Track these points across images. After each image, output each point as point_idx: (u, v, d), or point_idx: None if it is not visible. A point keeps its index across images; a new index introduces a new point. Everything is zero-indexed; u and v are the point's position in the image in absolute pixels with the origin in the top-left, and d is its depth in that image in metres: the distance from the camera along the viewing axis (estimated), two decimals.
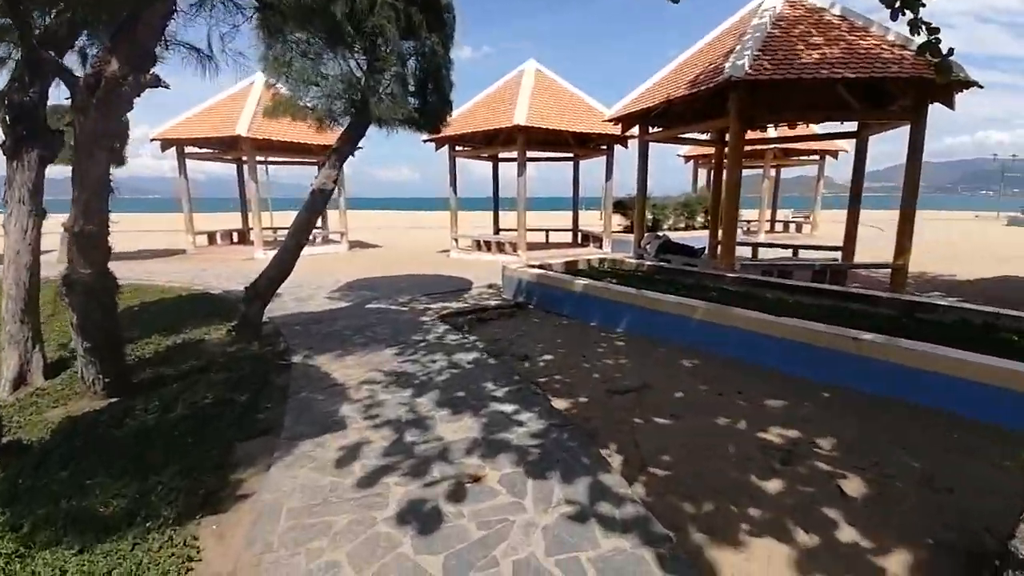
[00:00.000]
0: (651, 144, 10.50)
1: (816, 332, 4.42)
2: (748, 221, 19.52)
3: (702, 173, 22.90)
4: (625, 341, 5.89)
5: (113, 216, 4.02)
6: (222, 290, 9.08)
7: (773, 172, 20.18)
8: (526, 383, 4.53)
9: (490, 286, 9.45)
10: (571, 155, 16.24)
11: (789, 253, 11.12)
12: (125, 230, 27.41)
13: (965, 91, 7.18)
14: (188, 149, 15.05)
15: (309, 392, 4.38)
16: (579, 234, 16.70)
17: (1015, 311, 4.89)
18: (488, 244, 13.88)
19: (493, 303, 7.96)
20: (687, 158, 19.69)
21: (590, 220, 18.79)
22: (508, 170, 16.78)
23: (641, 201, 10.57)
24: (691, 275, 7.98)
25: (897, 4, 4.90)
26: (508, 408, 3.93)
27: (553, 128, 12.05)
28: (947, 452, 3.26)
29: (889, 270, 8.06)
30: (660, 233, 10.11)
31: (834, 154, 18.38)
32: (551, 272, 7.92)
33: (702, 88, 7.40)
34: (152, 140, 13.97)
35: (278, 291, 8.19)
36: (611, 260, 9.47)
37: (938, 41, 4.56)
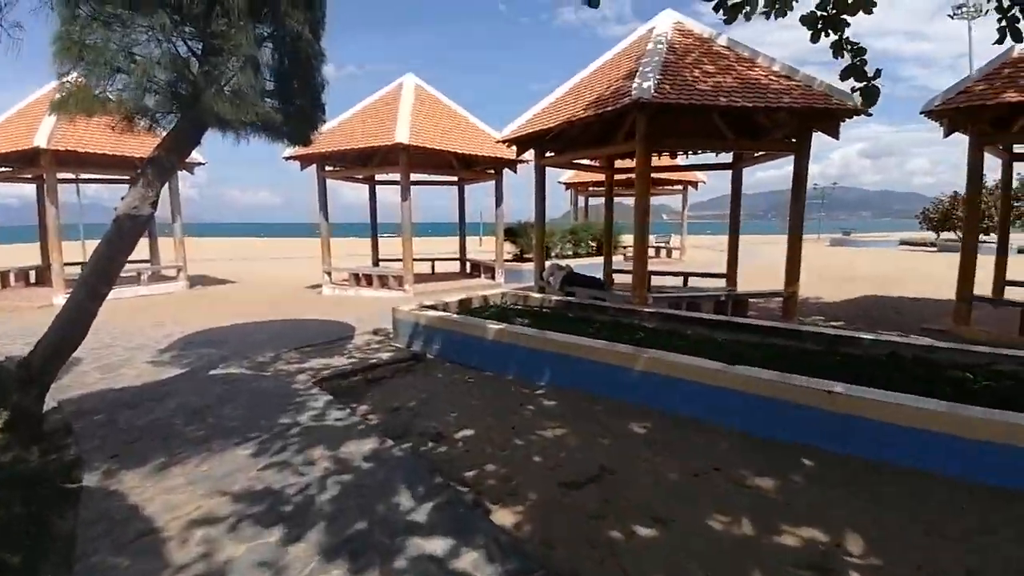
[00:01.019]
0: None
1: (784, 386, 3.83)
2: (625, 247, 20.23)
3: (577, 199, 23.59)
4: (555, 399, 4.91)
5: None
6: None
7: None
8: (451, 485, 3.27)
9: (376, 331, 7.93)
10: (455, 179, 15.31)
11: (679, 281, 11.25)
12: None
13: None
14: None
15: (106, 551, 2.65)
16: (467, 264, 15.70)
17: (946, 343, 4.88)
18: (369, 278, 12.21)
19: (385, 356, 6.51)
20: (568, 185, 19.97)
21: (474, 248, 17.97)
22: (384, 194, 15.31)
23: (540, 228, 9.91)
24: (603, 310, 7.35)
25: (820, 25, 4.74)
26: (438, 546, 2.64)
27: (440, 148, 10.97)
28: (990, 534, 2.72)
29: (780, 298, 8.24)
30: (562, 263, 9.50)
31: (695, 184, 19.91)
32: (454, 315, 6.72)
33: (608, 109, 6.90)
34: None
35: (75, 355, 5.90)
36: (512, 295, 8.56)
37: (863, 63, 4.42)
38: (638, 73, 6.80)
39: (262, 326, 8.38)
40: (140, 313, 9.79)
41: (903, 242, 33.30)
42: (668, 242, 23.06)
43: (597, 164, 11.49)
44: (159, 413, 4.53)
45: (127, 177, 14.20)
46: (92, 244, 17.23)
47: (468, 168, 14.11)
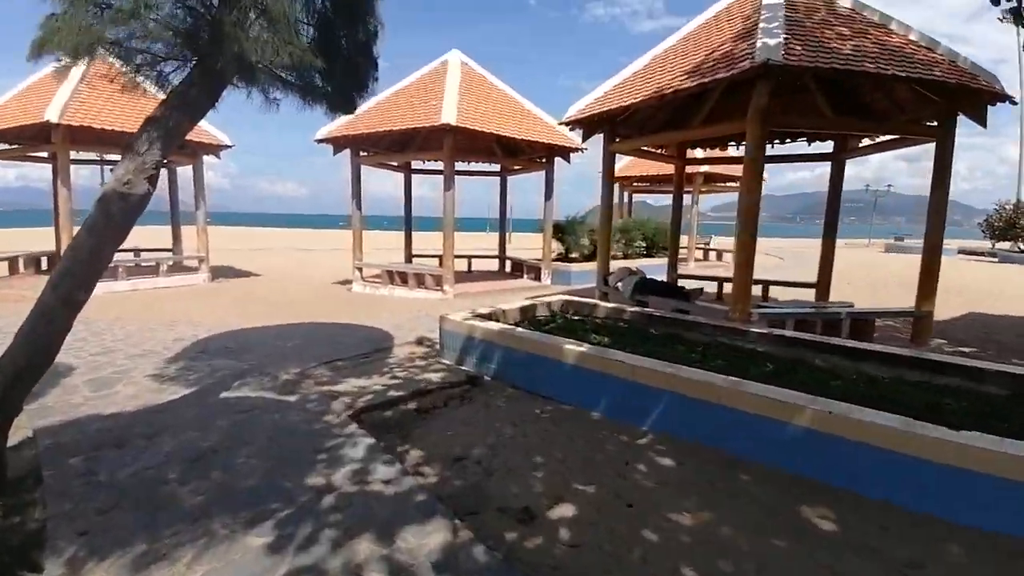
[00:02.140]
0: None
1: None
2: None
3: (621, 195, 22.13)
4: (671, 455, 3.63)
5: None
6: None
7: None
8: None
9: (419, 342, 6.75)
10: (496, 169, 14.11)
11: (756, 290, 9.80)
12: None
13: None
14: None
15: None
16: (506, 262, 14.48)
17: None
18: (404, 276, 11.06)
19: (434, 377, 5.30)
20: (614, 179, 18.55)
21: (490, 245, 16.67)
22: (394, 186, 14.10)
23: (607, 225, 8.59)
24: (693, 327, 6.02)
25: None
26: None
27: (491, 132, 9.74)
28: None
29: (905, 317, 6.78)
30: (633, 267, 8.18)
31: None
32: (519, 330, 5.47)
33: (719, 76, 5.56)
34: None
35: (70, 361, 4.87)
36: (575, 303, 7.27)
37: None
38: (760, 30, 5.43)
39: (287, 331, 7.28)
40: (154, 309, 8.83)
41: (962, 251, 30.95)
42: (708, 243, 21.60)
43: (663, 152, 10.09)
44: (150, 459, 3.39)
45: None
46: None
47: (512, 156, 12.88)
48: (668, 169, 16.62)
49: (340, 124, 10.56)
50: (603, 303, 7.17)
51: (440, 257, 14.04)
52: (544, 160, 12.10)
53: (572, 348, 4.68)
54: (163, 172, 11.43)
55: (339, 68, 3.64)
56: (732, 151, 11.61)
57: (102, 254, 3.20)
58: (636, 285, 7.64)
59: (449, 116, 9.19)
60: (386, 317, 8.36)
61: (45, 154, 10.45)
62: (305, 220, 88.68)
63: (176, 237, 14.12)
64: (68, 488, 2.97)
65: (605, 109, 7.51)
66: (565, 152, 11.49)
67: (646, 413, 4.10)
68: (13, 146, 10.77)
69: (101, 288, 10.34)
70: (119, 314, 8.27)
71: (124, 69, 3.51)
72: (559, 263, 12.80)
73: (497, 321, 6.28)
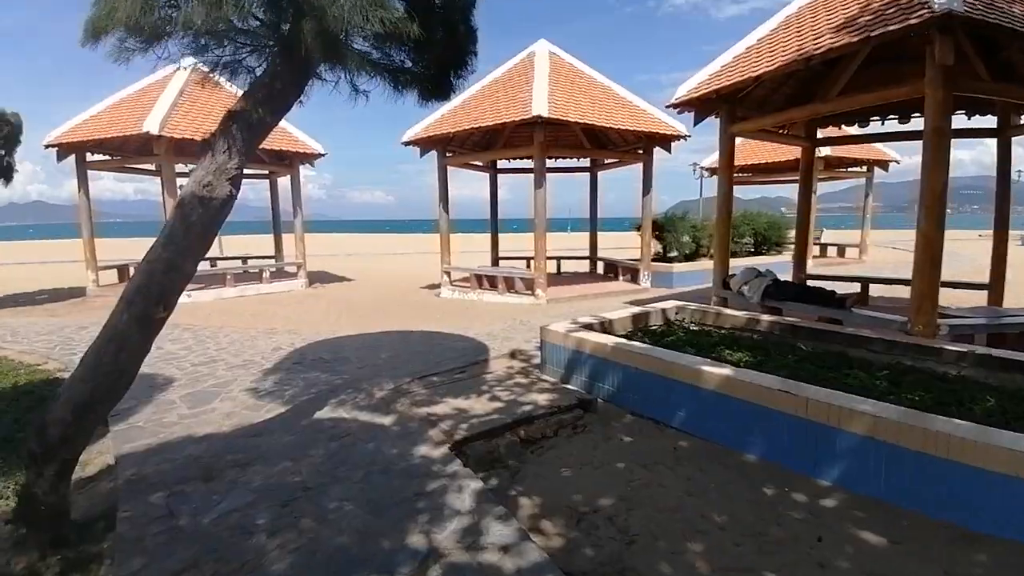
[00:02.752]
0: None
1: None
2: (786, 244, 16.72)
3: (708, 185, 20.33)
4: (880, 528, 2.64)
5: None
6: None
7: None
8: None
9: (515, 355, 6.12)
10: (587, 164, 13.27)
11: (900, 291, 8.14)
12: (45, 260, 22.95)
13: None
14: (93, 158, 11.42)
15: None
16: (597, 263, 13.57)
17: None
18: (492, 280, 10.56)
19: (540, 399, 4.62)
20: (710, 170, 16.91)
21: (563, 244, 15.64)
22: (461, 188, 13.58)
23: (725, 222, 7.47)
24: (863, 343, 4.82)
25: None
26: None
27: (586, 123, 8.97)
28: None
29: None
30: (762, 268, 7.01)
31: (884, 165, 15.86)
32: (639, 345, 4.63)
33: (891, 28, 4.37)
34: (46, 147, 10.34)
35: (172, 373, 4.76)
36: (693, 309, 6.28)
37: None
38: None
39: (379, 340, 6.97)
40: (257, 315, 9.00)
41: None
42: (819, 237, 19.11)
43: (787, 133, 8.70)
44: (238, 498, 2.99)
45: (264, 172, 14.02)
46: (229, 240, 17.77)
47: (602, 149, 11.99)
48: (774, 156, 14.87)
49: (426, 125, 10.30)
50: (727, 310, 6.12)
51: (528, 259, 13.50)
52: (641, 151, 11.07)
53: (713, 371, 3.79)
54: (264, 183, 11.77)
55: (436, 38, 3.05)
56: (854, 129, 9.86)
57: (182, 267, 2.84)
58: (767, 289, 6.48)
59: (540, 108, 8.53)
60: (477, 325, 7.85)
61: (153, 166, 11.15)
62: (393, 225, 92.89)
63: (277, 245, 14.74)
64: (143, 536, 2.61)
65: (724, 85, 6.44)
66: (666, 141, 10.40)
67: (829, 462, 3.13)
68: (115, 157, 11.55)
69: (212, 294, 10.87)
70: (225, 321, 8.48)
71: (200, 62, 3.15)
72: (658, 264, 11.69)
73: (605, 331, 5.50)
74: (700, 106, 7.01)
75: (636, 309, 6.19)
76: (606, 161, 12.99)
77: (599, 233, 14.00)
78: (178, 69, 9.47)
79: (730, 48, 7.00)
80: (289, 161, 12.38)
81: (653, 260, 12.19)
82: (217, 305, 10.14)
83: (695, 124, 7.24)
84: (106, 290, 11.24)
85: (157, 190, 10.99)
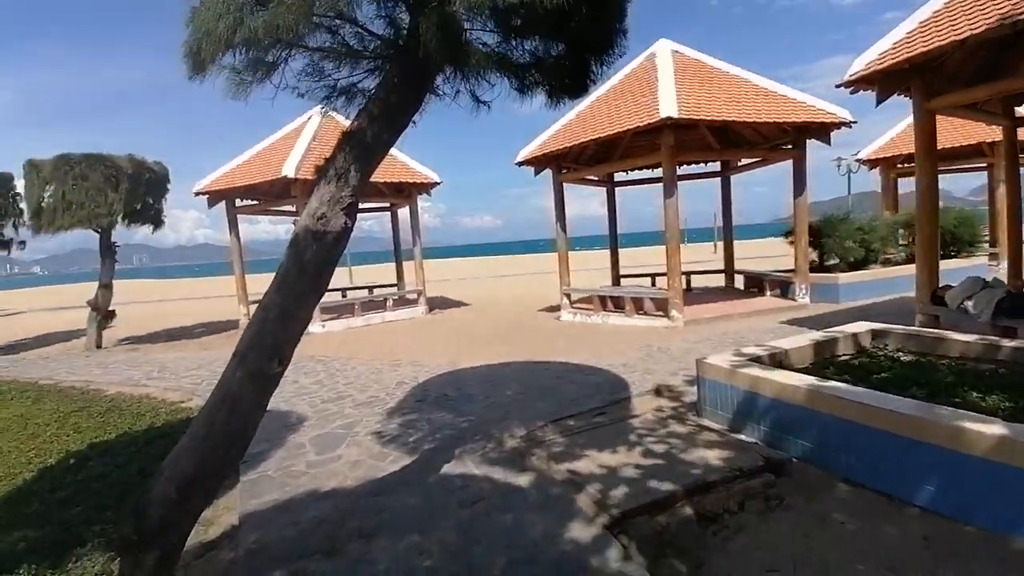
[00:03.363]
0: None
1: None
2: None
3: (869, 178, 17.29)
4: None
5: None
6: None
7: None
8: None
9: (660, 391, 5.20)
10: (717, 169, 11.92)
11: None
12: (207, 296, 26.18)
13: None
14: (242, 203, 12.67)
15: None
16: (734, 276, 12.01)
17: None
18: (618, 302, 9.66)
19: (709, 456, 3.67)
20: (871, 162, 14.36)
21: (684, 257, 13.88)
22: (585, 206, 12.64)
23: (931, 218, 5.87)
24: None
25: None
26: None
27: (725, 120, 7.86)
28: None
29: None
30: (988, 278, 5.36)
31: None
32: (854, 391, 3.49)
33: None
34: (196, 194, 11.67)
35: (302, 411, 4.60)
36: (896, 333, 4.85)
37: None
38: None
39: (503, 372, 6.44)
40: (382, 346, 9.04)
41: None
42: None
43: (985, 110, 6.77)
44: None
45: (385, 205, 14.79)
46: (360, 271, 18.93)
47: (735, 149, 10.61)
48: (943, 141, 12.17)
49: (540, 142, 9.85)
50: (951, 334, 4.63)
51: (654, 276, 12.39)
52: (790, 146, 9.53)
53: (981, 429, 2.61)
54: (386, 215, 12.08)
55: (579, 11, 2.41)
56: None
57: (297, 314, 2.45)
58: (1000, 304, 4.85)
59: (668, 108, 7.60)
60: (608, 353, 7.02)
61: (293, 208, 12.01)
62: (502, 248, 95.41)
63: (399, 273, 15.24)
64: None
65: (918, 52, 5.06)
66: (824, 131, 8.79)
67: None
68: (260, 201, 12.66)
69: (342, 324, 11.32)
70: (354, 351, 8.60)
71: (316, 88, 2.83)
72: (817, 275, 9.91)
73: (779, 365, 4.40)
74: (885, 81, 5.61)
75: (817, 335, 4.94)
76: (740, 163, 11.53)
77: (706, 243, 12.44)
78: (311, 117, 10.00)
79: (914, 13, 5.66)
80: (407, 192, 12.71)
81: (812, 270, 10.42)
82: (347, 335, 10.48)
83: (878, 103, 5.79)
84: None
85: (236, 222, 11.91)
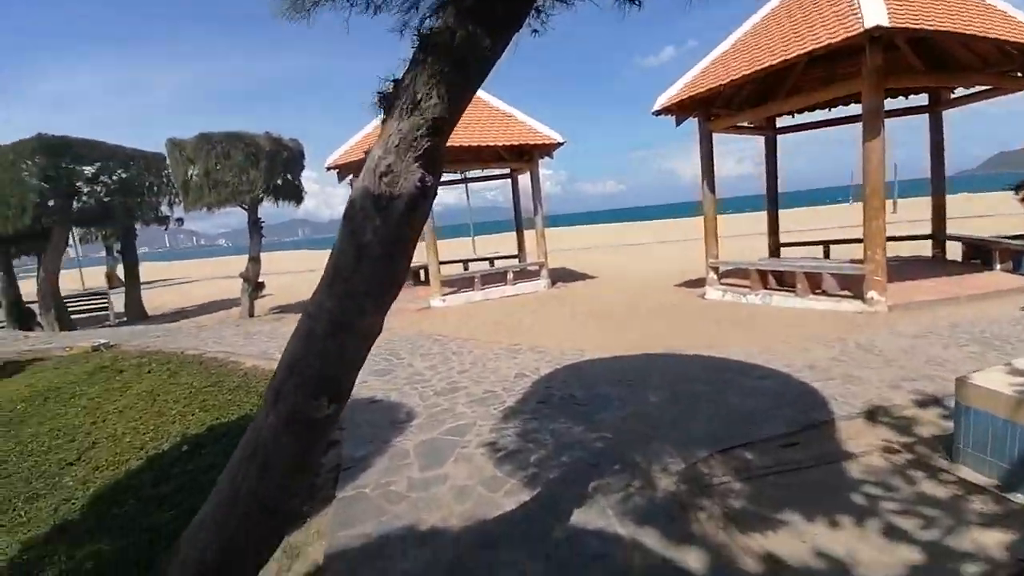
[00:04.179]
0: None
1: None
2: None
3: None
4: None
5: None
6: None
7: None
8: None
9: (873, 414, 3.66)
10: (924, 103, 9.12)
11: None
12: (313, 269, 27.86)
13: None
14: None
15: None
16: (945, 244, 9.21)
17: None
18: (784, 278, 7.78)
19: (990, 544, 2.22)
20: None
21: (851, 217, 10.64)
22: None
23: None
24: None
25: None
26: None
27: (955, 31, 5.56)
28: None
29: None
30: None
31: None
32: None
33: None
34: (328, 168, 11.91)
35: (412, 404, 3.99)
36: None
37: None
38: None
39: (642, 367, 5.27)
40: (501, 324, 8.34)
41: None
42: None
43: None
44: None
45: (505, 171, 14.07)
46: (482, 240, 18.73)
47: (954, 73, 7.82)
48: None
49: (684, 83, 8.12)
50: None
51: (824, 244, 10.05)
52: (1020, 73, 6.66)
53: None
54: (507, 183, 11.17)
55: None
56: None
57: (357, 324, 1.58)
58: None
59: (875, 15, 5.50)
60: (781, 348, 5.45)
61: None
62: (627, 213, 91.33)
63: (520, 243, 14.50)
64: None
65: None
66: None
67: None
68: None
69: (462, 298, 10.91)
70: (472, 330, 8.01)
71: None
72: None
73: None
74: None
75: None
76: (953, 96, 8.61)
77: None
78: None
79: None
80: (529, 155, 11.73)
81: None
82: (466, 310, 10.01)
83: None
84: None
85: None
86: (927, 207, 9.77)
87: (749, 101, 9.17)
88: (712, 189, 8.62)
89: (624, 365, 5.40)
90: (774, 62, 6.66)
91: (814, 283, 7.26)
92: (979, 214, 19.27)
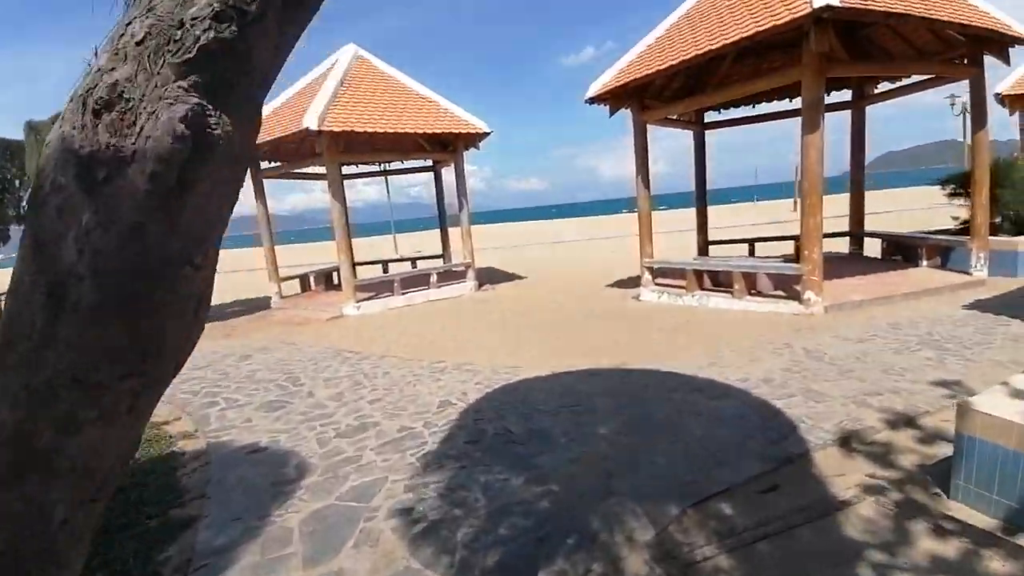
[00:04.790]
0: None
1: None
2: None
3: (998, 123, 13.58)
4: None
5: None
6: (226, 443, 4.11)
7: None
8: None
9: (847, 441, 3.20)
10: (846, 99, 9.30)
11: None
12: (252, 268, 24.55)
13: None
14: (268, 165, 11.21)
15: None
16: (863, 241, 9.46)
17: None
18: (720, 278, 7.49)
19: None
20: (1010, 97, 10.70)
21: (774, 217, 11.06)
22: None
23: None
24: None
25: None
26: None
27: (902, 11, 5.37)
28: None
29: None
30: None
31: None
32: None
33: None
34: None
35: (307, 458, 2.93)
36: None
37: None
38: None
39: (585, 388, 4.59)
40: (423, 335, 7.40)
41: None
42: None
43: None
44: None
45: (427, 164, 12.85)
46: (405, 238, 17.53)
47: (886, 63, 7.91)
48: None
49: (619, 70, 7.60)
50: None
51: (749, 242, 10.06)
52: (964, 60, 6.79)
53: None
54: (429, 176, 10.26)
55: None
56: None
57: (53, 449, 0.65)
58: None
59: None
60: (730, 358, 5.01)
61: (323, 169, 10.35)
62: (549, 212, 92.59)
63: (444, 242, 13.54)
64: None
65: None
66: (1002, 46, 6.06)
67: None
68: (276, 164, 11.13)
69: (380, 305, 9.78)
70: (389, 345, 7.00)
71: None
72: (997, 238, 7.31)
73: None
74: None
75: None
76: (876, 90, 8.81)
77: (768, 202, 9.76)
78: (338, 59, 8.11)
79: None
80: (453, 146, 10.80)
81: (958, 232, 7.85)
82: (384, 318, 8.94)
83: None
84: (287, 302, 10.97)
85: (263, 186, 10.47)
86: (834, 204, 10.01)
87: (680, 93, 8.86)
88: (647, 184, 8.18)
89: (565, 385, 4.70)
90: (713, 47, 6.23)
91: (750, 283, 7.02)
92: (869, 211, 20.92)
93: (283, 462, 3.64)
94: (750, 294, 7.01)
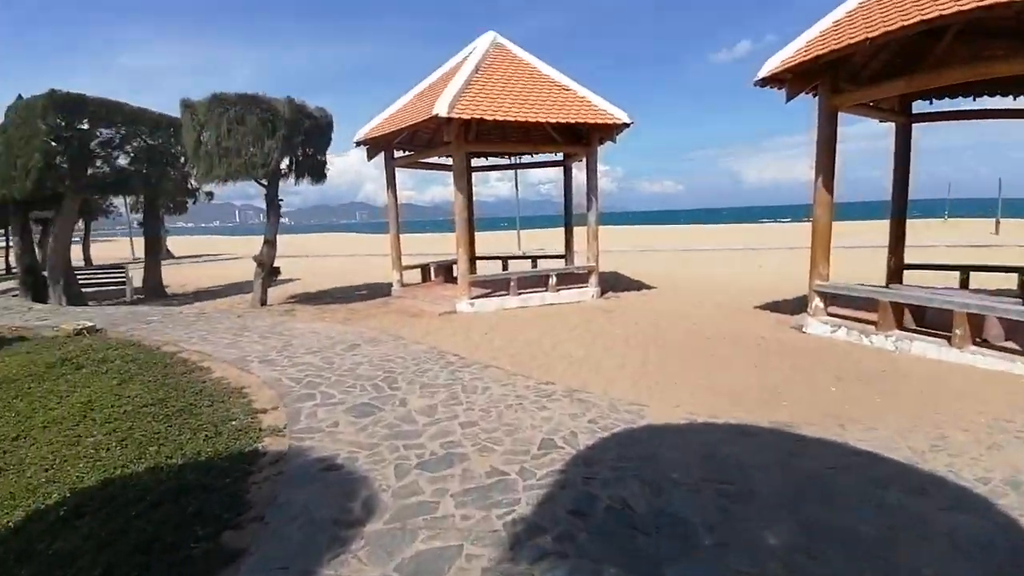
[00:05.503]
0: None
1: None
2: None
3: None
4: None
5: None
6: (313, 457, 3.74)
7: None
8: None
9: None
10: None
11: None
12: (386, 253, 25.56)
13: None
14: (400, 154, 11.31)
15: None
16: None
17: None
18: (928, 318, 5.60)
19: None
20: None
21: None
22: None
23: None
24: None
25: None
26: None
27: None
28: None
29: None
30: None
31: None
32: None
33: None
34: (356, 144, 10.52)
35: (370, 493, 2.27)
36: None
37: None
38: None
39: (737, 451, 3.41)
40: (534, 344, 6.63)
41: None
42: None
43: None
44: None
45: (557, 158, 12.08)
46: (531, 235, 17.01)
47: None
48: None
49: (804, 44, 6.04)
50: None
51: (964, 270, 7.67)
52: None
53: None
54: (560, 174, 9.04)
55: None
56: None
57: None
58: None
59: None
60: (961, 441, 3.44)
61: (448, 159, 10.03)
62: (686, 216, 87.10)
63: (568, 242, 12.66)
64: None
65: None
66: None
67: None
68: (410, 153, 11.04)
69: (495, 303, 9.26)
70: (496, 351, 6.36)
71: None
72: None
73: None
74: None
75: None
76: None
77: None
78: (475, 48, 7.61)
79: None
80: (587, 139, 9.88)
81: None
82: (497, 319, 8.36)
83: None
84: (406, 291, 10.97)
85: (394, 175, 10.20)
86: None
87: (885, 73, 6.92)
88: (830, 188, 6.44)
89: (706, 444, 3.56)
90: (947, 11, 4.51)
91: (975, 328, 5.07)
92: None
93: (353, 492, 3.08)
94: (974, 343, 5.08)
